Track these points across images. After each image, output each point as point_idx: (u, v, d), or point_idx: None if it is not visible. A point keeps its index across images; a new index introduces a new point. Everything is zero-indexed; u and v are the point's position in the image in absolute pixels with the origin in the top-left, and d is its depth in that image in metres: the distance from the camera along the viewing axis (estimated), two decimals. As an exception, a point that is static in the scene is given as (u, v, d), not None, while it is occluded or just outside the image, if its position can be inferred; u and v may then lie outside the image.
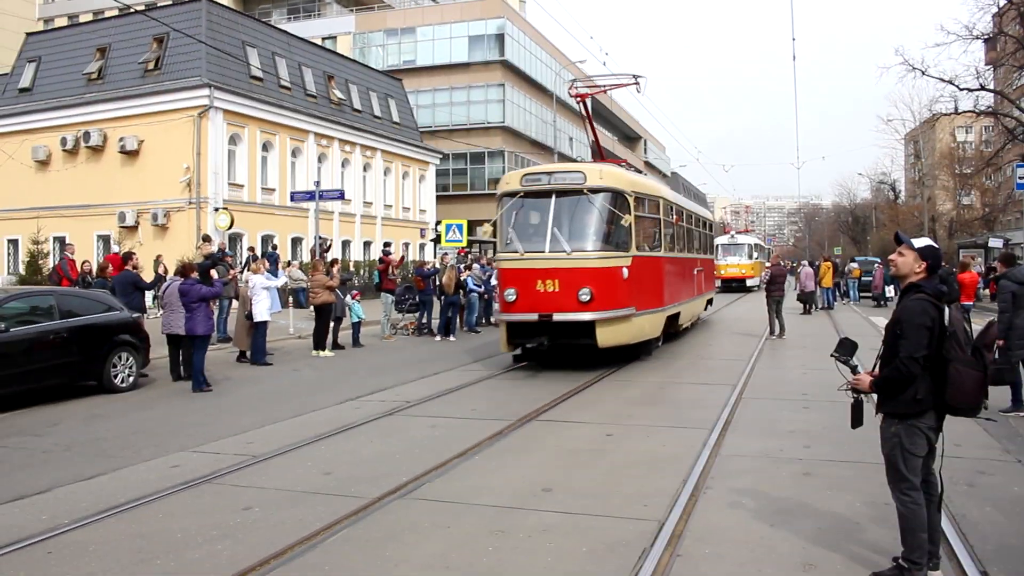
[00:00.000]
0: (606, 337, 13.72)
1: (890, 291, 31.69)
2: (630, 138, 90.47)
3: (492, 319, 23.85)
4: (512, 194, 14.46)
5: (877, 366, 4.91)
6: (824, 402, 10.46)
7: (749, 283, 47.14)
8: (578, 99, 17.99)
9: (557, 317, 13.31)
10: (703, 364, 15.22)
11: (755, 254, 49.79)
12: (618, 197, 14.19)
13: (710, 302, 25.13)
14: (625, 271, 13.91)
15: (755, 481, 7.08)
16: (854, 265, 36.54)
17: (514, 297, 13.61)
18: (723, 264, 45.95)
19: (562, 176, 14.18)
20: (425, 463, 7.69)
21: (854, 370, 5.00)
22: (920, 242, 4.85)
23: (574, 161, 54.32)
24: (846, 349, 5.09)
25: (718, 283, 46.08)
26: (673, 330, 17.87)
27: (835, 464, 7.64)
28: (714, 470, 7.47)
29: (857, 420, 4.99)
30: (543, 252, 13.51)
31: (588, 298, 13.21)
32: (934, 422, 4.71)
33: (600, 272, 13.55)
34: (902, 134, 66.78)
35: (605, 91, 22.05)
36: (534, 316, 13.43)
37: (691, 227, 20.66)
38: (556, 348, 14.30)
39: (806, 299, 27.87)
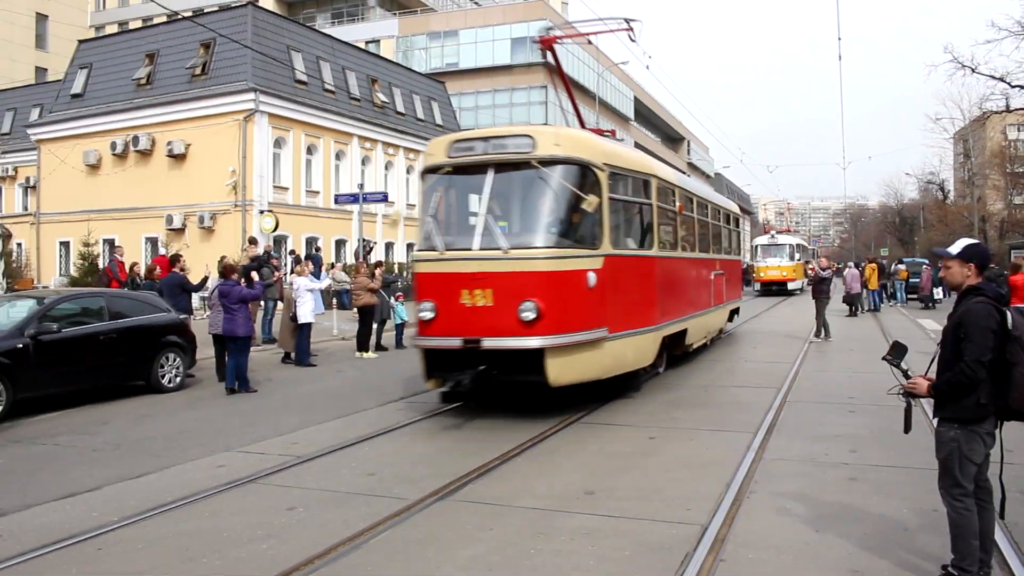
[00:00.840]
0: (562, 371, 9.77)
1: (938, 293, 31.15)
2: (673, 139, 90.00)
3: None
4: (436, 169, 10.69)
5: (931, 370, 4.82)
6: (871, 406, 10.31)
7: (791, 286, 44.49)
8: (543, 47, 14.83)
9: (488, 343, 9.53)
10: (747, 366, 15.05)
11: (797, 255, 46.57)
12: (583, 172, 10.24)
13: (736, 312, 21.19)
14: (592, 277, 9.98)
15: (800, 485, 6.99)
16: (901, 267, 35.94)
17: (431, 315, 9.91)
18: (762, 266, 44.64)
19: (502, 142, 10.25)
20: (467, 465, 7.69)
21: (906, 374, 4.91)
22: (957, 247, 4.78)
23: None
24: (898, 352, 5.01)
25: (757, 286, 44.91)
26: (679, 351, 14.19)
27: (882, 469, 7.53)
28: (758, 474, 7.39)
29: (909, 425, 4.91)
30: (470, 250, 9.75)
31: (533, 316, 9.35)
32: (992, 428, 4.62)
33: (552, 278, 9.69)
34: (951, 133, 65.60)
35: (587, 39, 21.09)
36: (456, 342, 9.70)
37: (705, 219, 16.64)
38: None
39: (852, 301, 27.47)
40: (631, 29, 14.43)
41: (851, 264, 36.94)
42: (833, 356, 16.55)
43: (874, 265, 31.71)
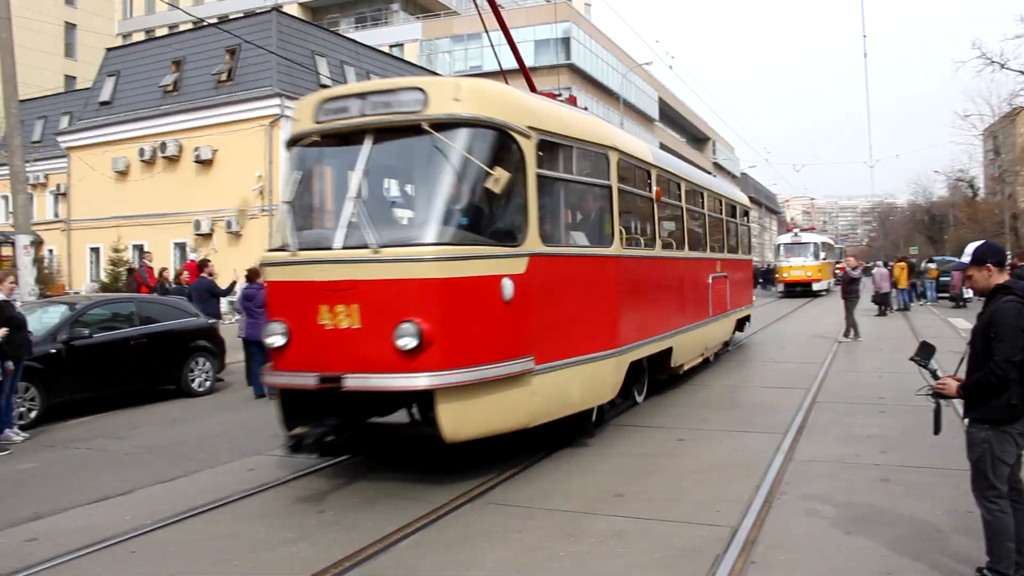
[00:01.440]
0: (461, 421, 6.94)
1: (968, 291, 30.78)
2: (698, 139, 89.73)
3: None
4: (300, 139, 7.81)
5: (960, 370, 4.78)
6: (902, 406, 10.21)
7: (816, 287, 41.98)
8: None
9: (352, 382, 6.77)
10: (775, 367, 14.96)
11: (823, 254, 43.74)
12: (497, 138, 7.43)
13: (746, 321, 18.35)
14: (508, 285, 7.17)
15: (831, 487, 6.94)
16: (932, 265, 35.56)
17: (282, 340, 7.16)
18: (785, 266, 42.45)
19: (385, 100, 7.40)
20: (496, 468, 7.70)
21: (934, 374, 4.87)
22: (967, 254, 4.78)
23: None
24: (926, 353, 4.97)
25: (780, 287, 42.85)
26: (663, 375, 11.52)
27: (914, 470, 7.46)
28: (788, 475, 7.35)
29: (938, 426, 4.87)
30: (331, 250, 7.02)
31: (415, 343, 6.60)
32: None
33: (445, 289, 6.83)
34: (980, 129, 64.82)
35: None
36: (311, 379, 6.93)
37: (698, 209, 13.78)
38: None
39: (881, 300, 27.21)
40: None
41: (880, 263, 36.59)
42: (862, 356, 16.41)
43: (903, 264, 31.38)
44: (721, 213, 15.87)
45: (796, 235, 44.56)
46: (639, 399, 10.96)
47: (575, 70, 51.99)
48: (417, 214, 7.73)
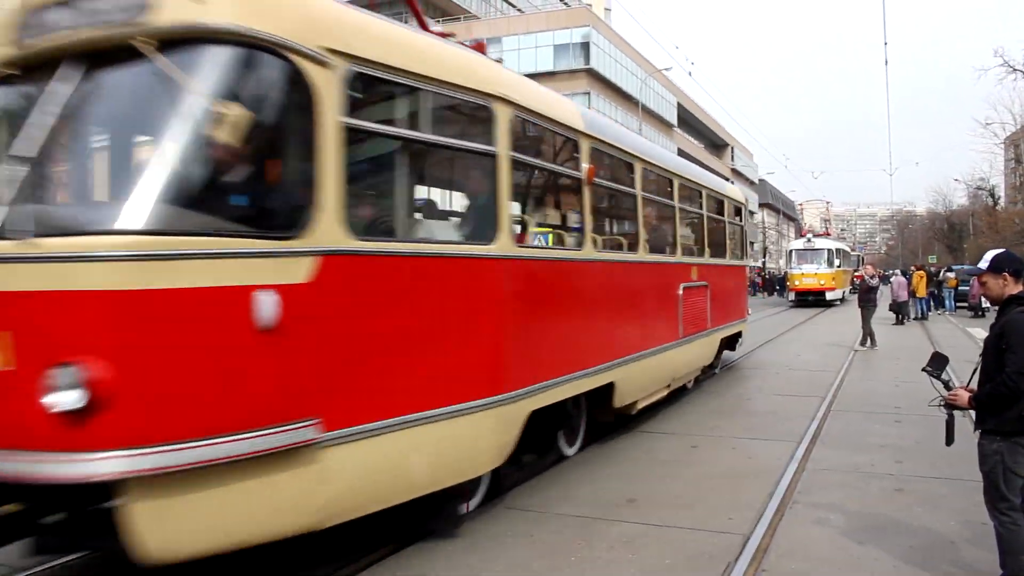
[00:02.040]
0: (177, 530, 4.24)
1: (987, 301, 30.60)
2: (717, 145, 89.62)
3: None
4: None
5: (974, 381, 4.77)
6: (917, 416, 10.15)
7: (829, 296, 39.55)
8: None
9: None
10: (790, 375, 14.91)
11: (837, 261, 41.16)
12: (258, 62, 4.63)
13: (737, 338, 15.50)
14: (267, 304, 4.42)
15: (844, 496, 6.92)
16: (951, 274, 35.36)
17: None
18: (797, 273, 40.27)
19: (94, 5, 4.53)
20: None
21: (947, 385, 4.86)
22: (986, 260, 4.74)
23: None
24: (939, 364, 4.96)
25: (791, 296, 40.67)
26: (607, 417, 9.09)
27: (929, 480, 7.43)
28: (801, 484, 7.34)
29: (951, 437, 4.86)
30: None
31: (76, 400, 3.86)
32: (1036, 439, 4.55)
33: (131, 308, 4.03)
34: (1001, 137, 64.49)
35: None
36: None
37: (666, 202, 11.04)
38: None
39: (899, 309, 27.08)
40: None
41: (898, 272, 36.44)
42: (879, 365, 16.34)
43: (922, 273, 31.23)
44: (702, 208, 12.84)
45: (809, 240, 42.22)
46: (569, 451, 8.34)
47: (594, 75, 52.02)
48: (112, 184, 4.98)
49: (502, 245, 6.17)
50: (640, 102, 52.40)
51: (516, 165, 6.55)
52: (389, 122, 5.74)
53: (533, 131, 7.35)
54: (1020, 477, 4.52)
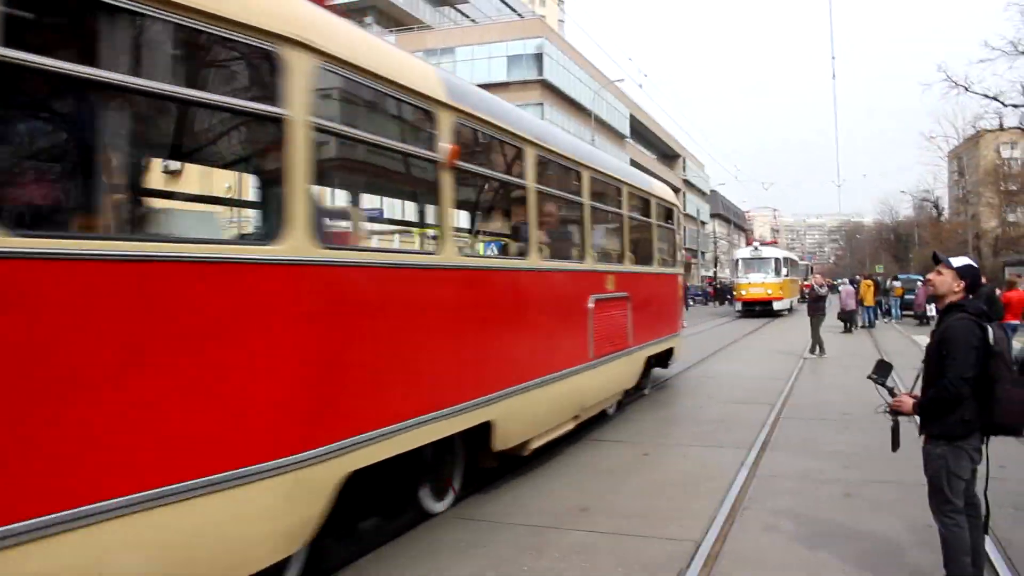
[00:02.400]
0: None
1: (931, 310, 31.22)
2: (668, 156, 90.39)
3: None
4: None
5: (917, 387, 4.85)
6: (865, 422, 10.29)
7: (777, 306, 39.05)
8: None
9: None
10: (741, 383, 15.04)
11: (785, 270, 40.51)
12: None
13: (669, 355, 13.73)
14: None
15: (794, 502, 6.99)
16: (896, 284, 36.07)
17: None
18: (743, 283, 39.91)
19: None
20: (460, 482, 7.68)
21: (891, 392, 4.94)
22: (959, 261, 4.80)
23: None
24: (883, 371, 5.04)
25: (738, 306, 40.21)
26: (490, 462, 7.48)
27: (877, 485, 7.53)
28: (752, 490, 7.40)
29: (896, 443, 4.94)
30: None
31: None
32: (979, 443, 4.64)
33: None
34: (945, 151, 66.20)
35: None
36: None
37: (568, 196, 9.30)
38: None
39: (847, 318, 27.52)
40: None
41: (846, 281, 37.04)
42: (827, 372, 16.57)
43: (869, 282, 31.83)
44: (621, 208, 11.02)
45: (756, 249, 41.40)
46: (437, 507, 6.82)
47: (547, 86, 52.23)
48: None
49: (294, 246, 4.44)
50: (593, 113, 52.68)
51: (326, 136, 5.03)
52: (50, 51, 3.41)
53: (363, 94, 5.57)
54: (963, 480, 4.61)
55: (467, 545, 5.99)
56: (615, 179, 10.77)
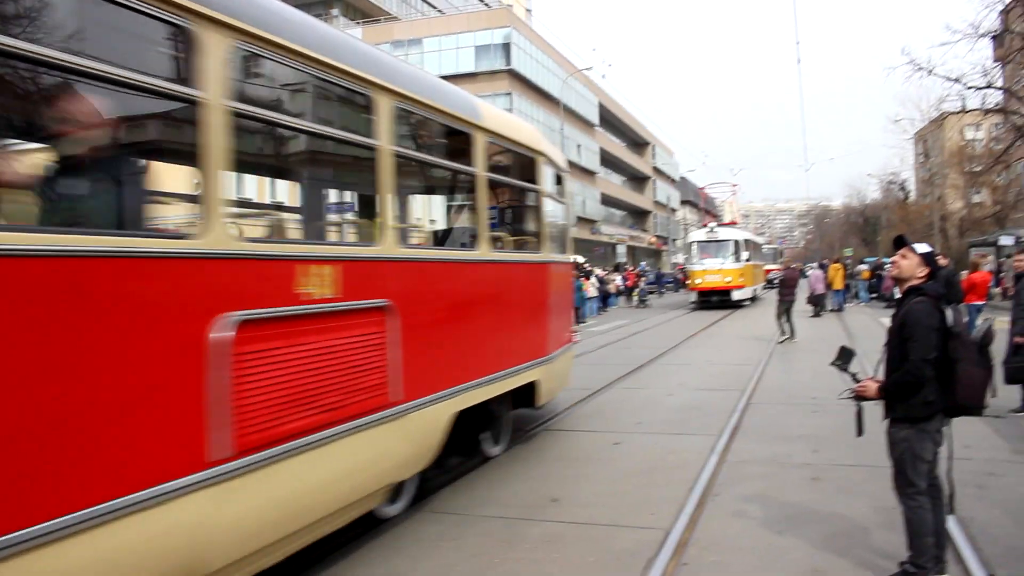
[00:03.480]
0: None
1: (898, 292, 31.57)
2: (638, 144, 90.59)
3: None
4: None
5: (881, 371, 4.90)
6: (834, 406, 10.37)
7: (737, 295, 33.93)
8: None
9: None
10: (710, 370, 15.13)
11: (746, 254, 35.05)
12: None
13: (533, 388, 8.75)
14: None
15: (763, 487, 7.05)
16: (863, 267, 36.40)
17: None
18: (698, 270, 34.44)
19: None
20: (432, 476, 7.68)
21: (855, 377, 4.99)
22: (923, 248, 4.86)
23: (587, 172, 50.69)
24: (846, 357, 5.09)
25: (693, 296, 35.21)
26: None
27: (844, 468, 7.61)
28: (722, 476, 7.45)
29: (860, 428, 4.99)
30: None
31: None
32: (941, 425, 4.70)
33: None
34: (911, 133, 66.64)
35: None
36: None
37: (304, 127, 5.54)
38: None
39: (816, 302, 27.75)
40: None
41: (815, 265, 37.29)
42: (797, 357, 16.71)
43: (838, 265, 32.09)
44: (444, 155, 7.59)
45: (712, 231, 35.99)
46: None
47: (515, 75, 52.15)
48: None
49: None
50: (562, 102, 52.67)
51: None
52: None
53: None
54: (926, 462, 4.67)
55: (438, 538, 5.99)
56: (431, 107, 6.47)
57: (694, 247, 35.44)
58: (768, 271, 47.54)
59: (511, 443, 8.85)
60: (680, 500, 6.66)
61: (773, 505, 6.52)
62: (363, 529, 6.15)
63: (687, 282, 37.89)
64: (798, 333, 19.77)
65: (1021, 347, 9.65)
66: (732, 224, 41.05)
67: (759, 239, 49.48)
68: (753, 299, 37.30)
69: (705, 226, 37.30)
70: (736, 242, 34.42)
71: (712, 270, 33.71)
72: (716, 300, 33.37)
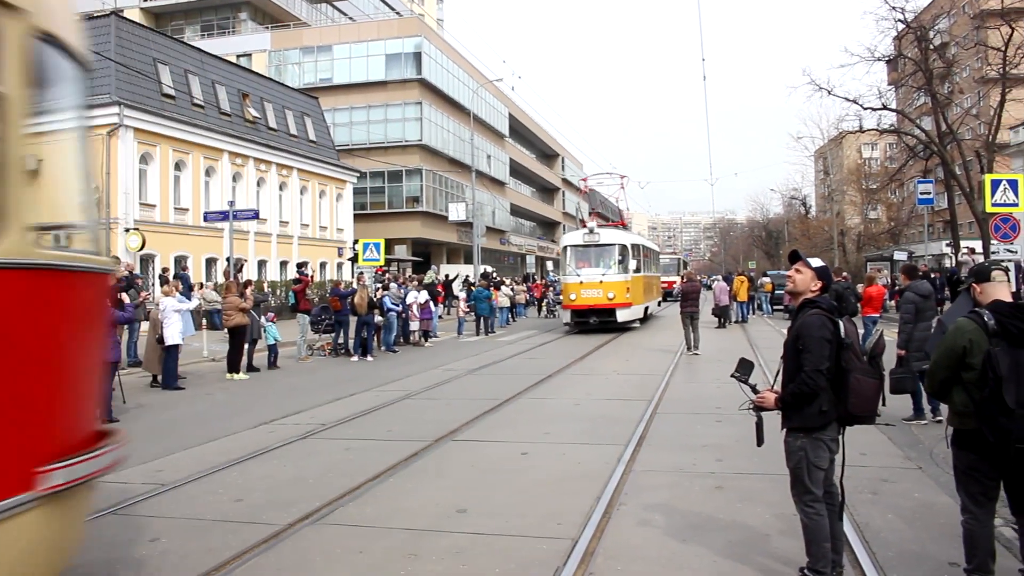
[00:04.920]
0: None
1: (787, 296, 32.35)
2: (548, 156, 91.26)
3: (411, 339, 23.86)
4: None
5: (779, 383, 5.02)
6: (736, 415, 10.54)
7: (623, 316, 26.46)
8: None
9: None
10: (617, 380, 15.30)
11: (634, 262, 27.78)
12: None
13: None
14: None
15: (668, 496, 7.15)
16: (766, 279, 37.38)
17: None
18: (573, 282, 26.74)
19: None
20: (338, 487, 7.57)
21: (754, 389, 5.11)
22: (816, 262, 5.01)
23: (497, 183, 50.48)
24: (745, 369, 5.21)
25: (566, 317, 27.51)
26: None
27: (746, 477, 7.78)
28: (628, 486, 7.53)
29: (761, 438, 5.11)
30: None
31: None
32: (836, 433, 4.84)
33: None
34: (811, 151, 69.01)
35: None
36: None
37: None
38: None
39: (720, 313, 28.35)
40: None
41: (719, 277, 38.04)
42: (702, 367, 17.03)
43: (743, 278, 32.87)
44: None
45: (591, 232, 27.38)
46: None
47: (426, 85, 52.02)
48: None
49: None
50: (472, 112, 52.74)
51: None
52: None
53: None
54: (822, 470, 4.80)
55: (344, 551, 5.90)
56: None
57: (568, 253, 27.68)
58: (670, 284, 46.56)
59: (419, 452, 8.80)
60: (587, 510, 6.70)
61: (678, 514, 6.62)
62: (272, 541, 6.03)
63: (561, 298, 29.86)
64: (702, 344, 20.09)
65: (904, 359, 10.09)
66: (619, 226, 33.61)
67: (654, 245, 41.52)
68: (645, 319, 31.14)
69: (584, 227, 28.33)
70: (623, 247, 27.27)
71: (591, 283, 26.36)
72: (595, 322, 26.40)
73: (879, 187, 56.20)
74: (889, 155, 66.49)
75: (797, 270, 5.00)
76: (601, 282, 26.22)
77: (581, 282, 26.48)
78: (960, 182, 35.37)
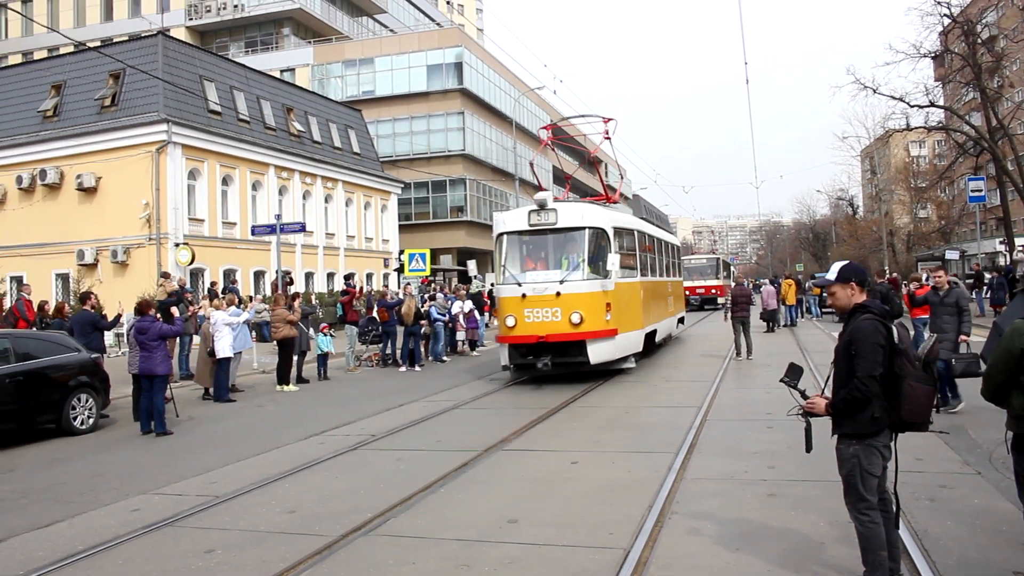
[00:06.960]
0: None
1: (837, 313, 32.00)
2: (590, 162, 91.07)
3: (457, 348, 23.91)
4: None
5: (828, 389, 4.96)
6: (788, 421, 10.44)
7: (597, 352, 15.66)
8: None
9: None
10: (667, 387, 15.20)
11: (614, 258, 16.21)
12: None
13: None
14: None
15: (720, 504, 7.09)
16: (813, 282, 36.97)
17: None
18: (510, 297, 15.94)
19: None
20: (390, 498, 7.62)
21: (803, 394, 5.05)
22: (834, 271, 4.98)
23: (542, 190, 50.46)
24: (795, 374, 5.15)
25: (504, 355, 16.43)
26: None
27: (799, 484, 7.68)
28: (679, 495, 7.47)
29: (809, 444, 5.05)
30: None
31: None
32: (888, 440, 4.76)
33: None
34: (857, 151, 68.17)
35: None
36: None
37: None
38: None
39: (769, 317, 28.05)
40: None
41: (767, 281, 37.68)
42: (752, 373, 16.85)
43: (791, 281, 32.54)
44: None
45: (544, 209, 16.29)
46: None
47: (467, 94, 52.23)
48: None
49: None
50: (514, 121, 52.84)
51: None
52: None
53: None
54: (875, 477, 4.73)
55: (396, 563, 5.93)
56: None
57: (504, 246, 16.78)
58: (707, 289, 45.14)
59: (469, 462, 8.81)
60: (639, 519, 6.66)
61: (730, 522, 6.56)
62: (324, 552, 6.08)
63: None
64: (754, 349, 19.86)
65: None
66: (600, 201, 20.82)
67: (668, 234, 27.94)
68: (652, 349, 20.35)
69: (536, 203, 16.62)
70: (597, 233, 16.45)
71: (541, 297, 15.73)
72: (546, 365, 15.75)
73: (928, 185, 55.28)
74: (938, 152, 65.44)
75: (831, 293, 4.99)
76: (558, 295, 15.61)
77: (523, 296, 15.78)
78: (1012, 178, 34.68)
